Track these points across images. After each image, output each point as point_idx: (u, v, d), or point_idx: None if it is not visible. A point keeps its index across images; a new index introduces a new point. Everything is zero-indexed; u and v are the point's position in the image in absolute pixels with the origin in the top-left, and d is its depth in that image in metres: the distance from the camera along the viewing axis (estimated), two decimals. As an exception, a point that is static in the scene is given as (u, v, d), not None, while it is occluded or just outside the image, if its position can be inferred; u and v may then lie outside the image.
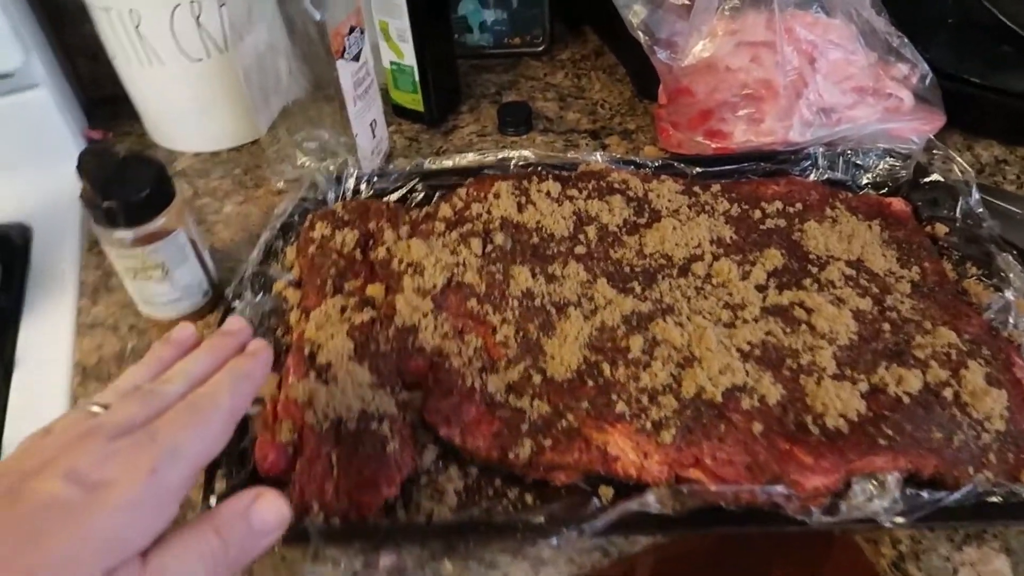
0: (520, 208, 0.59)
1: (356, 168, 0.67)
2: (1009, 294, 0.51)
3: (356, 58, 0.64)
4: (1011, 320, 0.50)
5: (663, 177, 0.63)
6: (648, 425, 0.45)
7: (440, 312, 0.52)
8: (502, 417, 0.47)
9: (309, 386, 0.47)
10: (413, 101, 0.78)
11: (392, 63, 0.75)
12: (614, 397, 0.47)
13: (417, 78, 0.75)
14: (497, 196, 0.59)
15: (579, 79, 0.86)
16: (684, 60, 0.63)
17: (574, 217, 0.58)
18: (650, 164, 0.65)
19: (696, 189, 0.62)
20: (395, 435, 0.46)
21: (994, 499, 0.42)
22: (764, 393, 0.46)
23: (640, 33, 0.64)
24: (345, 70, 0.63)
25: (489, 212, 0.59)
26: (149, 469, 0.29)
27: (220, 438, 0.33)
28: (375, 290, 0.54)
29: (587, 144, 0.76)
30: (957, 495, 0.42)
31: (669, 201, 0.60)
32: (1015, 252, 0.53)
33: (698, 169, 0.65)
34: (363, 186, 0.67)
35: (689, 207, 0.60)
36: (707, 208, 0.60)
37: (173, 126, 0.79)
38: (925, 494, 0.42)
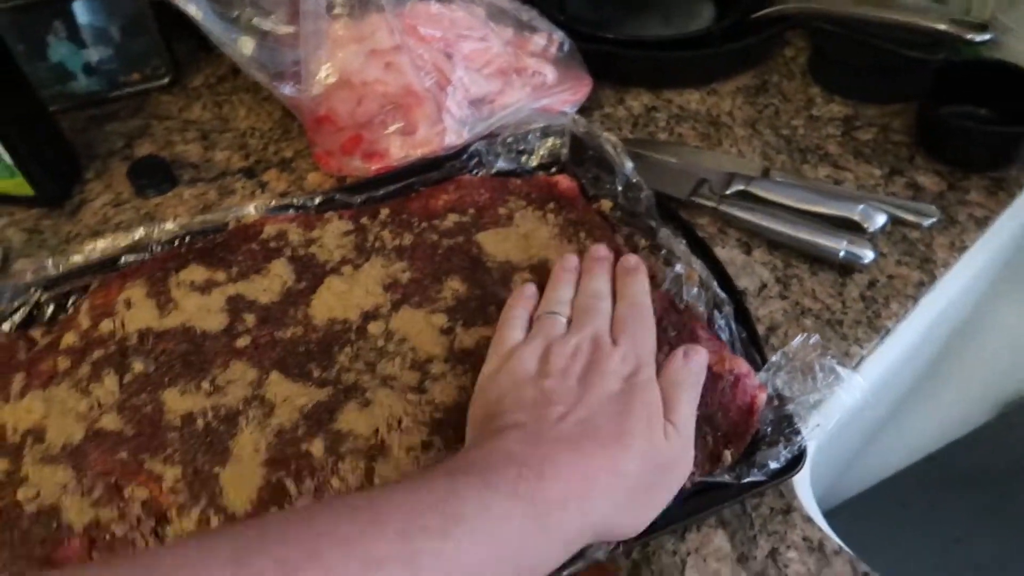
0: (161, 309, 0.50)
1: (-46, 299, 0.54)
2: (679, 267, 0.52)
3: None
4: (684, 292, 0.51)
5: (328, 215, 0.57)
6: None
7: (84, 474, 0.43)
8: None
9: None
10: (16, 186, 0.64)
11: (-32, 150, 0.61)
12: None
13: (9, 160, 0.61)
14: (129, 305, 0.50)
15: (220, 107, 0.76)
16: (312, 90, 0.56)
17: (227, 306, 0.50)
18: (309, 204, 0.59)
19: (364, 220, 0.57)
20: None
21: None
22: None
23: (255, 72, 0.56)
24: None
25: (124, 327, 0.49)
26: (647, 362, 0.43)
27: (654, 328, 0.46)
28: None
29: (243, 187, 0.67)
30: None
31: (334, 249, 0.54)
32: (673, 224, 0.54)
33: (361, 198, 0.60)
34: (-31, 317, 0.54)
35: (358, 250, 0.54)
36: (377, 246, 0.55)
37: None
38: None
